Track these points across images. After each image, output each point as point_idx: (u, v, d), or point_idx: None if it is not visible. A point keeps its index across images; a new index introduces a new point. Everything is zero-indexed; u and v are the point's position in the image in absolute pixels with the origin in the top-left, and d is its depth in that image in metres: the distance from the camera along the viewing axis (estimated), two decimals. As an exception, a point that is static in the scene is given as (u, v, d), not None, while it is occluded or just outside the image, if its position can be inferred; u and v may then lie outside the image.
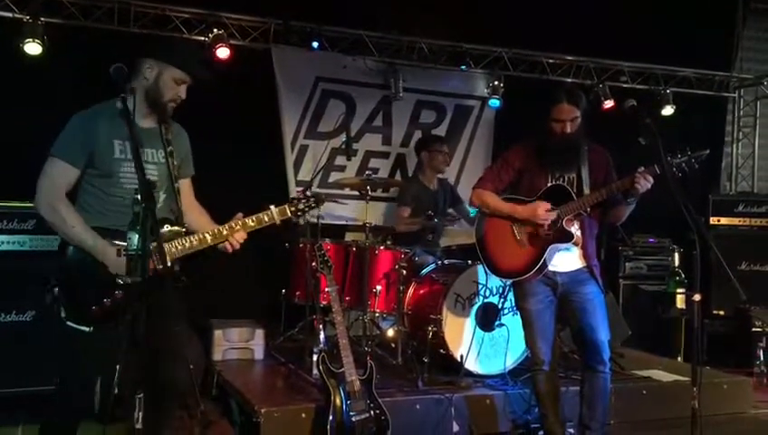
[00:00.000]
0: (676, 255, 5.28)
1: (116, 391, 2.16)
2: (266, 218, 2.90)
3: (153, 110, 2.84)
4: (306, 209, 3.01)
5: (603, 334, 3.56)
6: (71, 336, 2.64)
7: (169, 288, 2.60)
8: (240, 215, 2.89)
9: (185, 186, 3.04)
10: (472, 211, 5.54)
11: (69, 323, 2.63)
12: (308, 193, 3.06)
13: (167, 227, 2.78)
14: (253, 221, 2.88)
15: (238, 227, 2.85)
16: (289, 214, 2.94)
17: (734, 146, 8.04)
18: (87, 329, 2.62)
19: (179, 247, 2.77)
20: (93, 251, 2.66)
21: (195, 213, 3.06)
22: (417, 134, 6.68)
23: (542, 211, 3.52)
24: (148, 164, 2.80)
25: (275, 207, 2.92)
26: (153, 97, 2.80)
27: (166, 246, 2.70)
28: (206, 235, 2.83)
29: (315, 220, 4.93)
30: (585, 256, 3.61)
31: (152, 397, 2.41)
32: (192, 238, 2.80)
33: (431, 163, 5.75)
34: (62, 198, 2.73)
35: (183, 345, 2.80)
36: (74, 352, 2.68)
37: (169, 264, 2.69)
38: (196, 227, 2.93)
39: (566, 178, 3.62)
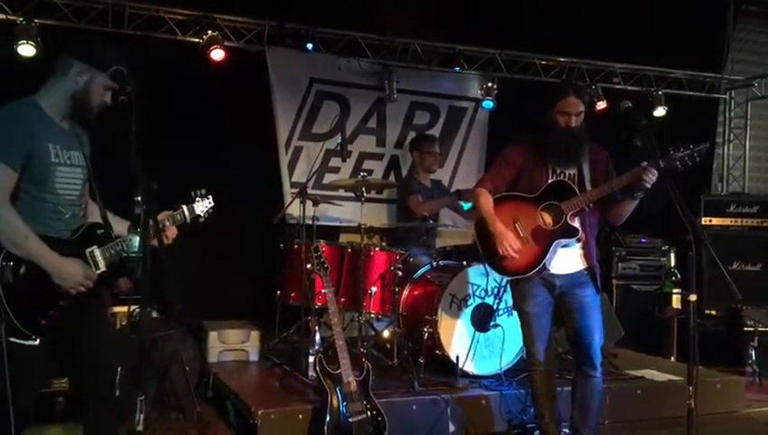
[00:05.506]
0: (672, 255, 5.29)
1: (117, 393, 2.15)
2: (179, 217, 2.91)
3: (78, 113, 2.72)
4: (206, 208, 2.99)
5: (598, 337, 3.56)
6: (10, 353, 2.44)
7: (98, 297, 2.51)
8: (166, 212, 2.88)
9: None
10: (465, 206, 5.57)
11: (12, 339, 2.44)
12: (201, 191, 3.01)
13: (99, 231, 2.73)
14: (168, 220, 2.88)
15: (169, 224, 2.85)
16: (197, 212, 2.95)
17: (726, 147, 8.09)
18: (34, 343, 2.48)
19: (117, 250, 2.70)
20: (44, 262, 2.50)
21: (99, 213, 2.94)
22: (412, 135, 6.69)
23: (509, 247, 3.46)
24: (75, 167, 2.70)
25: (186, 205, 2.94)
26: (81, 101, 2.68)
27: (100, 250, 2.66)
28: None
29: (311, 222, 4.93)
30: (587, 255, 3.58)
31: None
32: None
33: (422, 163, 5.86)
34: (9, 206, 2.49)
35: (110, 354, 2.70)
36: (17, 367, 2.46)
37: (103, 269, 2.66)
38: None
39: (567, 175, 3.60)
